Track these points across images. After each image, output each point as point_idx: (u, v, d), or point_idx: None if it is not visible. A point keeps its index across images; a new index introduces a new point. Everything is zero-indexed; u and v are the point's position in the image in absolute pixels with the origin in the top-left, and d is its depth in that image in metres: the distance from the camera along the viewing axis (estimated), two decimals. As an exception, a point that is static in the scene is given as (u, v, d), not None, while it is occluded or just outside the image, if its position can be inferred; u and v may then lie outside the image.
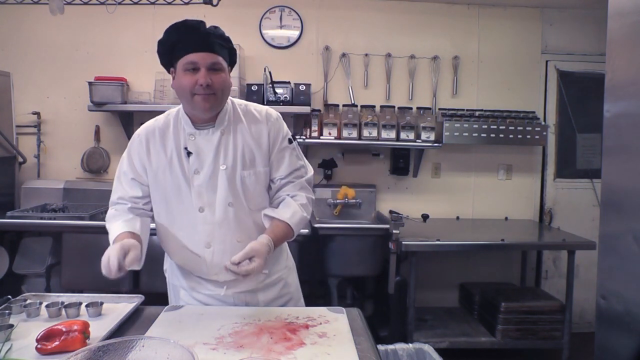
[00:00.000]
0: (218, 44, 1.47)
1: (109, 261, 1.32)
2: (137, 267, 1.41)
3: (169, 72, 1.57)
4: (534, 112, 3.62)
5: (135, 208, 1.60)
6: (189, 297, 1.67)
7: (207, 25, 1.50)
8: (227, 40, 1.52)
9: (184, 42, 1.45)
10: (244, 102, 1.66)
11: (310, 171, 1.68)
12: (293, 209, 1.57)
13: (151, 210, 1.63)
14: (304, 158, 1.69)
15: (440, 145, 3.44)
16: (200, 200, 1.53)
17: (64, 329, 1.26)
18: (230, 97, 1.60)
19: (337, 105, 3.53)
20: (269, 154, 1.59)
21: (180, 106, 1.60)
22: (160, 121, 1.61)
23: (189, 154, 1.53)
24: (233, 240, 1.56)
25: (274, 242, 1.49)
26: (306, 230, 2.89)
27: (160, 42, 1.51)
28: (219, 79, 1.45)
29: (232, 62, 1.54)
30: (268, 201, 1.64)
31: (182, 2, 2.98)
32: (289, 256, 1.79)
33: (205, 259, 1.57)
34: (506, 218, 3.75)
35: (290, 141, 1.63)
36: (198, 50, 1.44)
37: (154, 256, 2.91)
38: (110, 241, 1.49)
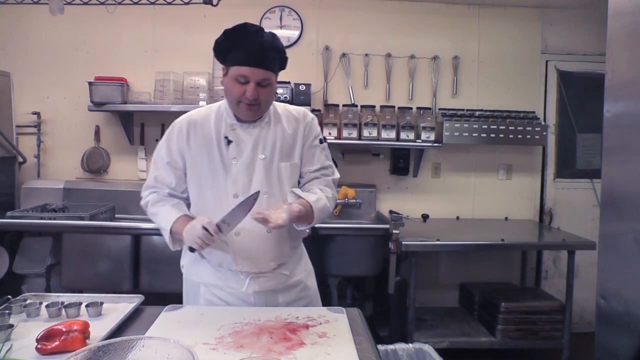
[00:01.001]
0: (271, 59, 1.51)
1: (204, 232, 1.40)
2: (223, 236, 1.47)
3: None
4: (534, 112, 3.63)
5: (173, 195, 1.67)
6: (209, 294, 1.67)
7: (265, 33, 1.51)
8: (281, 51, 1.55)
9: (238, 51, 1.48)
10: (282, 104, 1.74)
11: (337, 174, 1.77)
12: (319, 196, 1.63)
13: (187, 198, 1.68)
14: (332, 160, 1.77)
15: (440, 145, 3.44)
16: (235, 187, 1.58)
17: (64, 329, 1.26)
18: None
19: (337, 105, 3.53)
20: (302, 149, 1.67)
21: (224, 101, 1.64)
22: (202, 112, 1.67)
23: (229, 142, 1.59)
24: (263, 229, 1.56)
25: (297, 211, 1.51)
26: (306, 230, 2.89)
27: (216, 42, 1.54)
28: (265, 93, 1.52)
29: (282, 68, 1.59)
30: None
31: (182, 2, 2.98)
32: (308, 260, 1.84)
33: (233, 246, 1.60)
34: (506, 218, 3.75)
35: (321, 141, 1.72)
36: (250, 65, 1.47)
37: (154, 256, 2.93)
38: (166, 225, 1.58)
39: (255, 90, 1.49)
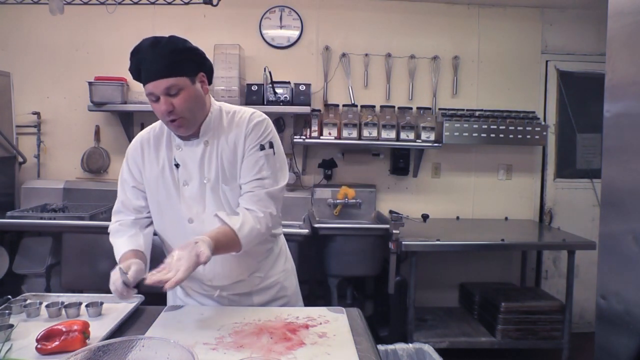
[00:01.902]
0: (170, 64, 1.37)
1: (115, 285, 1.38)
2: (142, 278, 1.42)
3: None
4: (534, 112, 3.63)
5: (139, 219, 1.61)
6: (186, 297, 1.69)
7: (162, 39, 1.40)
8: (181, 51, 1.42)
9: (140, 72, 1.39)
10: (234, 107, 1.58)
11: (280, 184, 1.54)
12: (244, 219, 1.45)
13: (151, 224, 1.65)
14: (282, 169, 1.56)
15: (440, 145, 3.44)
16: (189, 212, 1.53)
17: (64, 329, 1.27)
18: (220, 104, 1.57)
19: (337, 105, 3.53)
20: (242, 158, 1.51)
21: None
22: (156, 129, 1.59)
23: (177, 165, 1.53)
24: None
25: (212, 245, 1.34)
26: (306, 230, 2.89)
27: (129, 71, 1.45)
28: (180, 102, 1.39)
29: (200, 68, 1.46)
30: None
31: (182, 2, 2.98)
32: (288, 260, 1.77)
33: (199, 268, 1.42)
34: (506, 218, 3.75)
35: (262, 147, 1.50)
36: (150, 79, 1.37)
37: (154, 256, 2.91)
38: (117, 259, 1.55)
39: (168, 102, 1.37)
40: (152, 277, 1.33)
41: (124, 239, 1.57)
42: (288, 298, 1.73)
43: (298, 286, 1.80)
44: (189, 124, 1.45)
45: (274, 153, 1.53)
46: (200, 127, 1.51)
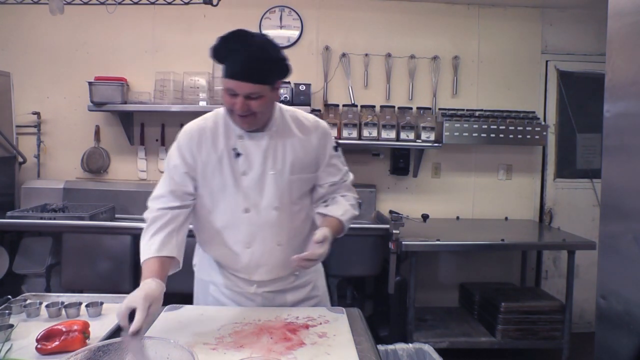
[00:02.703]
0: (261, 71, 1.41)
1: (123, 316, 1.27)
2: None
3: None
4: (534, 112, 3.63)
5: (183, 206, 1.56)
6: (218, 293, 1.68)
7: (257, 41, 1.42)
8: (274, 61, 1.45)
9: (227, 63, 1.42)
10: (292, 109, 1.68)
11: (352, 175, 1.80)
12: (345, 207, 1.67)
13: (191, 216, 1.62)
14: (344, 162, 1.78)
15: (440, 145, 3.44)
16: (247, 202, 1.55)
17: (64, 329, 1.27)
18: (279, 105, 1.62)
19: (337, 105, 3.53)
20: (318, 161, 1.64)
21: None
22: (210, 121, 1.59)
23: (237, 154, 1.54)
24: (273, 242, 1.59)
25: (332, 233, 1.56)
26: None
27: (211, 49, 1.45)
28: (257, 104, 1.43)
29: (281, 77, 1.50)
30: (309, 205, 1.69)
31: (182, 2, 2.98)
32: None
33: (244, 258, 1.59)
34: (506, 218, 3.74)
35: (336, 149, 1.70)
36: (236, 79, 1.40)
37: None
38: (142, 259, 1.52)
39: (245, 104, 1.41)
40: (299, 262, 1.44)
41: (158, 239, 1.51)
42: (319, 298, 1.76)
43: (327, 287, 1.84)
44: (257, 122, 1.50)
45: (341, 153, 1.75)
46: (267, 123, 1.55)
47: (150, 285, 1.42)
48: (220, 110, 1.60)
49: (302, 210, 1.65)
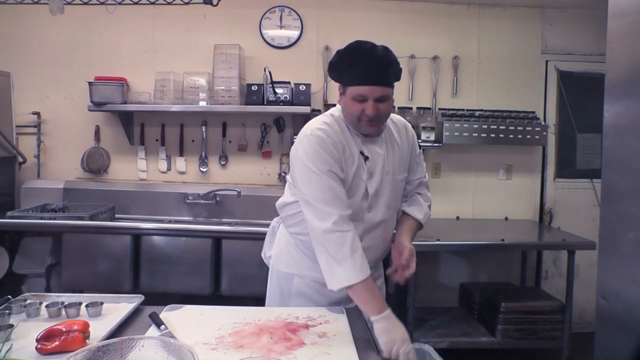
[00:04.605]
0: (388, 74, 1.52)
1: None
2: None
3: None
4: (534, 112, 3.62)
5: (348, 214, 1.52)
6: (303, 285, 1.71)
7: (379, 48, 1.51)
8: (395, 64, 1.55)
9: (355, 71, 1.49)
10: None
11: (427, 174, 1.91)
12: (424, 210, 1.81)
13: None
14: None
15: (440, 145, 3.43)
16: (372, 201, 1.63)
17: (64, 329, 1.27)
18: None
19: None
20: (411, 160, 1.77)
21: (336, 112, 1.65)
22: (334, 125, 1.59)
23: (366, 158, 1.62)
24: (379, 238, 1.69)
25: (412, 238, 1.72)
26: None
27: (330, 64, 1.58)
28: (384, 108, 1.53)
29: (397, 79, 1.58)
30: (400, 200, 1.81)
31: (182, 2, 2.98)
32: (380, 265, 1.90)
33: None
34: (506, 218, 3.74)
35: (420, 148, 1.83)
36: (367, 84, 1.48)
37: (154, 256, 2.93)
38: (348, 280, 1.41)
39: (375, 107, 1.50)
40: (396, 276, 1.61)
41: (358, 260, 1.43)
42: (385, 289, 1.86)
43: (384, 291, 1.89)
44: (382, 125, 1.62)
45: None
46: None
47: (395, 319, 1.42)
48: (330, 116, 1.63)
49: (397, 205, 1.77)
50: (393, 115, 1.76)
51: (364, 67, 1.49)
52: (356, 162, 1.59)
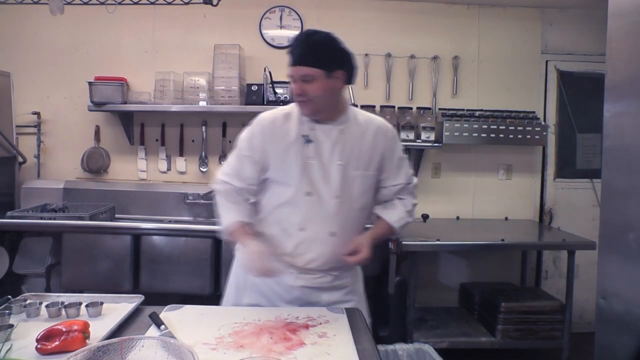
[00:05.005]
0: (312, 55, 1.57)
1: (261, 262, 1.52)
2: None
3: None
4: (534, 112, 3.62)
5: (244, 189, 1.69)
6: (258, 281, 1.69)
7: (317, 33, 1.61)
8: (329, 48, 1.61)
9: (289, 55, 1.61)
10: (363, 111, 1.79)
11: (415, 179, 1.85)
12: (400, 214, 1.77)
13: (255, 194, 1.72)
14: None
15: (440, 145, 3.43)
16: (311, 186, 1.64)
17: (64, 329, 1.27)
18: (353, 107, 1.75)
19: (337, 105, 3.52)
20: (384, 163, 1.72)
21: None
22: (285, 110, 1.72)
23: (308, 141, 1.64)
24: (326, 232, 1.65)
25: (375, 238, 1.70)
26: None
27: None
28: (311, 89, 1.57)
29: (339, 67, 1.61)
30: (372, 202, 1.77)
31: (182, 2, 2.98)
32: (358, 268, 1.86)
33: (294, 240, 1.66)
34: (506, 218, 3.74)
35: (403, 152, 1.78)
36: (293, 64, 1.59)
37: (154, 256, 2.93)
38: (225, 222, 1.65)
39: (300, 87, 1.56)
40: (350, 259, 1.61)
41: (235, 207, 1.67)
42: (354, 303, 1.77)
43: (364, 295, 1.86)
44: (313, 108, 1.61)
45: (407, 156, 1.82)
46: (336, 116, 1.67)
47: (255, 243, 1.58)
48: (294, 105, 1.71)
49: (362, 208, 1.72)
50: (379, 118, 1.76)
51: (294, 49, 1.59)
52: (295, 144, 1.64)
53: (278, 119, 1.69)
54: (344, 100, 1.72)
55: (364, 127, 1.70)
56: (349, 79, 1.67)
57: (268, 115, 1.72)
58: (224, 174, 1.72)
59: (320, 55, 1.58)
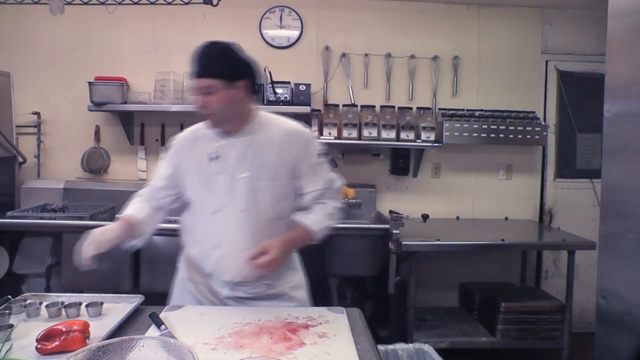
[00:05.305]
0: (210, 67, 1.54)
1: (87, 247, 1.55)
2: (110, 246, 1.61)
3: None
4: (534, 112, 3.62)
5: (154, 196, 1.74)
6: (196, 291, 1.73)
7: (217, 44, 1.58)
8: (227, 57, 1.57)
9: (191, 69, 1.58)
10: (275, 116, 1.72)
11: (339, 181, 1.78)
12: (317, 218, 1.68)
13: (170, 203, 1.75)
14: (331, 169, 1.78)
15: (440, 145, 3.43)
16: (218, 203, 1.61)
17: (64, 329, 1.27)
18: (266, 112, 1.72)
19: (337, 105, 3.53)
20: (298, 170, 1.65)
21: None
22: (198, 127, 1.72)
23: (212, 158, 1.62)
24: (239, 246, 1.61)
25: (287, 241, 1.61)
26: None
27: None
28: (212, 101, 1.53)
29: (241, 76, 1.57)
30: (290, 211, 1.69)
31: (182, 2, 2.98)
32: (297, 272, 1.80)
33: (213, 258, 1.65)
34: (506, 218, 3.74)
35: (320, 156, 1.71)
36: (194, 77, 1.56)
37: (154, 256, 2.92)
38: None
39: (202, 99, 1.54)
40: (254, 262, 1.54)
41: (132, 206, 1.72)
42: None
43: (309, 299, 1.80)
44: (217, 120, 1.58)
45: (326, 159, 1.75)
46: (243, 127, 1.63)
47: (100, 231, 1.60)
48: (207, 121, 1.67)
49: (276, 218, 1.65)
50: (291, 122, 1.70)
51: (194, 62, 1.56)
52: (201, 162, 1.63)
53: (187, 140, 1.71)
54: (251, 109, 1.66)
55: (273, 135, 1.64)
56: (253, 88, 1.63)
57: (180, 134, 1.75)
58: (147, 187, 1.79)
59: (220, 65, 1.55)
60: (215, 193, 1.61)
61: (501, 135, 3.48)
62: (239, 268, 1.62)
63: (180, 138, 1.74)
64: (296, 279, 1.78)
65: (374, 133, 3.38)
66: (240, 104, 1.60)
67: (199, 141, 1.67)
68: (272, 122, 1.69)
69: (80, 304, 1.54)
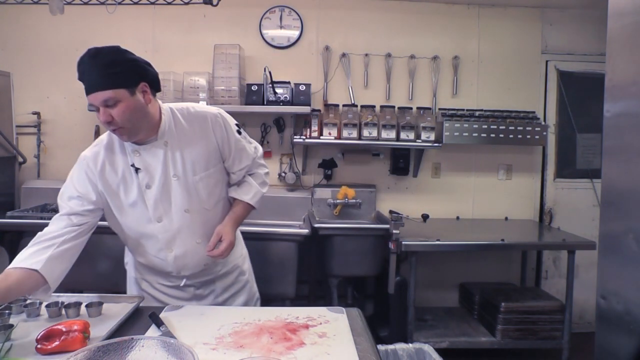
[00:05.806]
0: (107, 77, 1.42)
1: None
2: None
3: None
4: (534, 112, 3.62)
5: (74, 223, 1.61)
6: (152, 289, 1.77)
7: (104, 51, 1.48)
8: (121, 63, 1.45)
9: (83, 84, 1.46)
10: (184, 105, 1.66)
11: (260, 147, 1.83)
12: (254, 190, 1.75)
13: (89, 231, 1.63)
14: (249, 137, 1.79)
15: (440, 145, 3.43)
16: (157, 212, 1.60)
17: (64, 329, 1.27)
18: (170, 105, 1.63)
19: (337, 105, 3.53)
20: (222, 151, 1.66)
21: None
22: (104, 141, 1.60)
23: (137, 170, 1.56)
24: (193, 242, 1.66)
25: (235, 220, 1.68)
26: (306, 230, 2.90)
27: (78, 80, 1.50)
28: (118, 112, 1.41)
29: (141, 79, 1.47)
30: (225, 193, 1.74)
31: (182, 2, 2.98)
32: (242, 245, 1.94)
33: (169, 261, 1.67)
34: (506, 218, 3.74)
35: (239, 132, 1.70)
36: (90, 92, 1.43)
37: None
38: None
39: (107, 114, 1.41)
40: (213, 253, 1.57)
41: (28, 252, 1.58)
42: (246, 280, 1.87)
43: (251, 268, 1.96)
44: (129, 133, 1.48)
45: (244, 132, 1.75)
46: (156, 131, 1.56)
47: None
48: (112, 134, 1.56)
49: (216, 202, 1.70)
50: (200, 107, 1.65)
51: (85, 76, 1.44)
52: (127, 176, 1.56)
53: (98, 156, 1.56)
54: (157, 109, 1.56)
55: (189, 127, 1.60)
56: (155, 87, 1.54)
57: (88, 154, 1.58)
58: (55, 218, 1.64)
59: (117, 72, 1.42)
60: (152, 202, 1.57)
61: (501, 135, 3.48)
62: (198, 261, 1.69)
63: (90, 159, 1.57)
64: (244, 251, 1.92)
65: (374, 133, 3.38)
66: (147, 109, 1.49)
67: (114, 155, 1.57)
68: (181, 114, 1.61)
69: (80, 304, 1.54)
